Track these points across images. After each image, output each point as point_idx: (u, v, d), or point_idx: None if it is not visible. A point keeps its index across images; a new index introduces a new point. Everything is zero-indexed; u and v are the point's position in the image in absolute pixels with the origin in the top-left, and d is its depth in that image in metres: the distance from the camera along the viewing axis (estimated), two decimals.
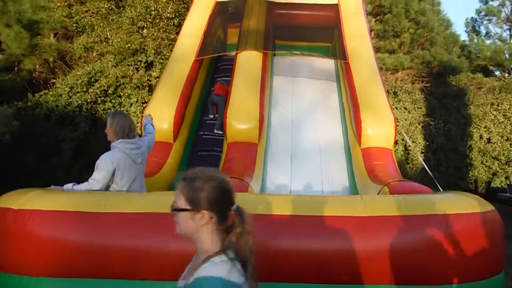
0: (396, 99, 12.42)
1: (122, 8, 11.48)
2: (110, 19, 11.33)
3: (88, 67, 10.34)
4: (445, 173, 11.90)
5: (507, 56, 16.89)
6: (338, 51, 7.67)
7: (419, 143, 11.92)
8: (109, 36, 11.11)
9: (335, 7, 8.17)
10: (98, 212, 2.85)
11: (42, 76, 11.91)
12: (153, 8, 10.77)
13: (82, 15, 11.68)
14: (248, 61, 6.74)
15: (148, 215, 2.85)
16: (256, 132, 5.64)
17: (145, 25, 10.83)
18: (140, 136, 3.80)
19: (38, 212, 2.84)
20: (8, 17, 10.37)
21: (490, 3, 18.03)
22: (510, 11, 17.68)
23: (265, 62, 6.95)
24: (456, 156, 12.34)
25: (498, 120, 12.99)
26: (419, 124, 12.25)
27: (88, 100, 9.71)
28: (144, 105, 9.49)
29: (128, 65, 10.17)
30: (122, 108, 9.84)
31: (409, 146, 11.43)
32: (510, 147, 12.76)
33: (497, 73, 17.78)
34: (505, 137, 12.83)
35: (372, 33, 15.08)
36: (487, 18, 18.18)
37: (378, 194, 4.33)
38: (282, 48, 8.67)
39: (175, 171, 5.64)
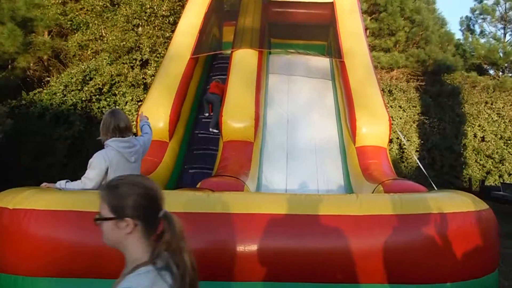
0: (391, 98, 12.44)
1: (117, 5, 11.41)
2: (105, 17, 11.27)
3: (82, 65, 10.29)
4: (439, 171, 11.97)
5: (501, 54, 17.00)
6: (333, 50, 7.69)
7: (414, 141, 11.95)
8: (104, 34, 11.05)
9: (331, 5, 8.19)
10: (93, 212, 2.83)
11: (36, 74, 11.83)
12: (148, 6, 10.70)
13: (77, 13, 11.63)
14: (243, 59, 6.73)
15: None
16: (252, 131, 5.64)
17: (140, 23, 10.77)
18: (136, 135, 3.78)
19: (33, 211, 2.82)
20: (2, 14, 10.28)
21: (485, 2, 18.17)
22: (505, 10, 17.79)
23: (261, 61, 6.94)
24: (451, 154, 12.41)
25: (492, 118, 13.06)
26: (413, 122, 12.28)
27: (83, 99, 9.66)
28: (139, 103, 9.47)
29: (123, 63, 10.12)
30: (117, 107, 9.79)
31: (404, 144, 11.47)
32: (504, 145, 12.84)
33: (491, 71, 17.90)
34: (499, 136, 12.90)
35: (367, 31, 15.13)
36: (482, 16, 18.32)
37: (372, 192, 4.34)
38: (277, 47, 8.68)
39: (170, 169, 5.64)
